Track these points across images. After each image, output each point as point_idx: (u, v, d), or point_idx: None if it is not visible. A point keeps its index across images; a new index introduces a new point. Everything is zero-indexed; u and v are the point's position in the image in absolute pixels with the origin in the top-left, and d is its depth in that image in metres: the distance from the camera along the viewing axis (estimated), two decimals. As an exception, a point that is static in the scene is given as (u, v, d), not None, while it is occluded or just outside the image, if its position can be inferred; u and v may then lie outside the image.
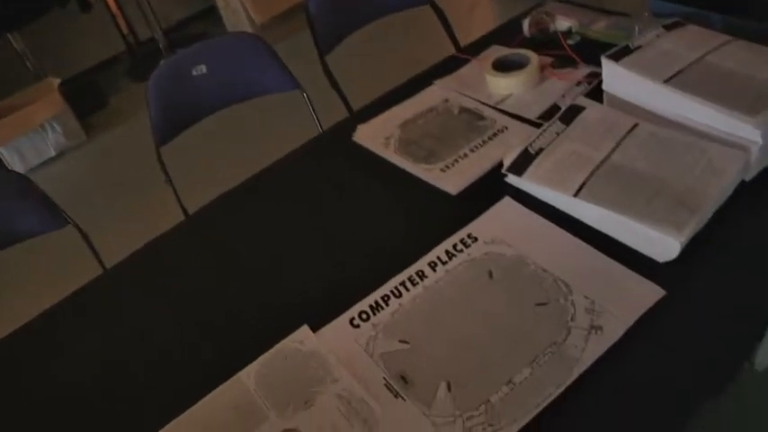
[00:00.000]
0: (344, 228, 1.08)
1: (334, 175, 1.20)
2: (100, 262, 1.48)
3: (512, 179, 1.02)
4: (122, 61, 3.87)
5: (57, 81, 3.20)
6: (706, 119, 0.99)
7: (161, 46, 3.68)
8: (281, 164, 1.27)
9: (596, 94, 1.15)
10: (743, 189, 0.96)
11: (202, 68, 1.76)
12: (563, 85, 1.24)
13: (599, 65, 1.12)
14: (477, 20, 3.27)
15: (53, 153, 3.22)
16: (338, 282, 0.98)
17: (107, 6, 3.69)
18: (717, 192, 0.91)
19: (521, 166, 1.01)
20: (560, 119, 1.08)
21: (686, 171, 0.93)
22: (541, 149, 1.03)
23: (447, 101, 1.28)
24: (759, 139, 0.94)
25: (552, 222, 0.96)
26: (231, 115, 1.83)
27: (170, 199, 1.66)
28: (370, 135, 1.26)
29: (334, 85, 1.86)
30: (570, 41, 1.37)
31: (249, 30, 3.43)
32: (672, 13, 1.38)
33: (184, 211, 1.63)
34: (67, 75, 3.48)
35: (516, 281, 0.89)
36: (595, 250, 0.91)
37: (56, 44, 3.55)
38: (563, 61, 1.31)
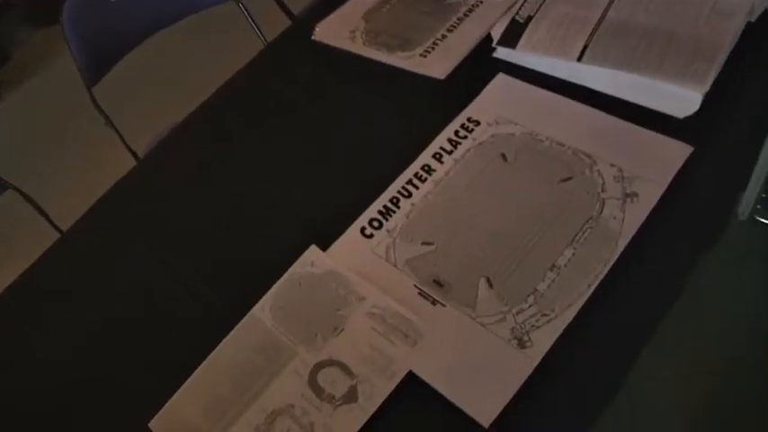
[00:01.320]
0: (332, 137, 0.98)
1: (303, 82, 1.09)
2: (52, 224, 1.35)
3: (503, 53, 0.94)
4: (15, 5, 3.49)
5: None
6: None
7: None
8: (240, 81, 1.14)
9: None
10: (749, 31, 0.89)
11: (120, -12, 1.57)
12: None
13: None
14: None
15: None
16: (338, 194, 0.89)
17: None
18: (729, 37, 0.84)
19: (512, 37, 0.92)
20: (544, -20, 0.98)
21: (693, 18, 0.86)
22: (530, 17, 0.94)
23: (406, -17, 1.16)
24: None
25: (557, 93, 0.89)
26: (163, 41, 1.65)
27: (115, 143, 1.51)
28: (332, 31, 1.13)
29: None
30: None
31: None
32: None
33: (134, 153, 1.49)
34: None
35: (533, 159, 0.83)
36: (610, 116, 0.85)
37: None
38: None
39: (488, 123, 0.89)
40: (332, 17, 1.16)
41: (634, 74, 0.83)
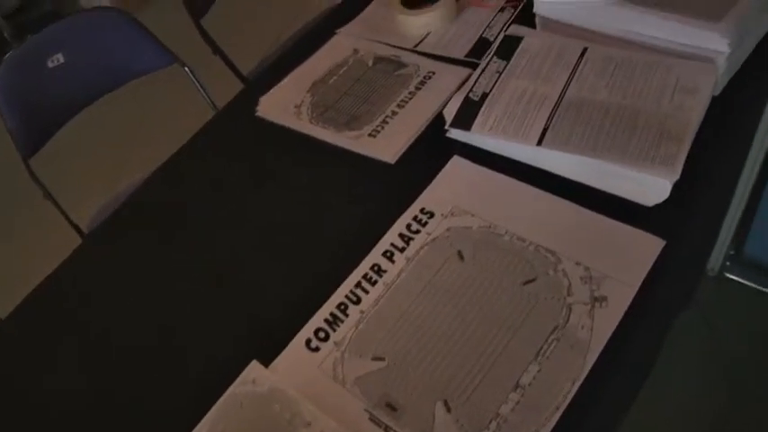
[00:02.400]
0: (271, 226, 0.90)
1: (244, 162, 1.01)
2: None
3: (457, 134, 0.87)
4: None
5: None
6: (661, 32, 0.87)
7: (6, 34, 3.23)
8: (180, 159, 1.06)
9: (526, 18, 1.00)
10: (712, 105, 0.84)
11: (59, 57, 1.49)
12: (486, 13, 1.09)
13: None
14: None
15: None
16: (279, 296, 0.81)
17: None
18: (696, 115, 0.79)
19: (466, 118, 0.86)
20: (497, 54, 0.93)
21: (658, 95, 0.81)
22: (485, 94, 0.87)
23: (357, 51, 1.10)
24: (726, 49, 0.83)
25: (516, 179, 0.82)
26: (107, 107, 1.57)
27: (53, 217, 1.41)
28: (277, 106, 1.06)
29: (217, 50, 1.63)
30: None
31: (107, 2, 3.05)
32: None
33: (76, 228, 1.39)
34: None
35: (493, 258, 0.75)
36: (574, 204, 0.78)
37: None
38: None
39: (443, 215, 0.82)
40: (276, 90, 1.09)
41: (600, 159, 0.76)
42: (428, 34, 1.09)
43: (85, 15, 1.47)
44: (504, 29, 1.03)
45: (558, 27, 0.98)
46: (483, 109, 0.85)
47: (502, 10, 1.08)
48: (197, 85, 1.53)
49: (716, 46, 0.84)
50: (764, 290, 1.54)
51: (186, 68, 1.53)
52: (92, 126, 1.85)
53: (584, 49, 0.90)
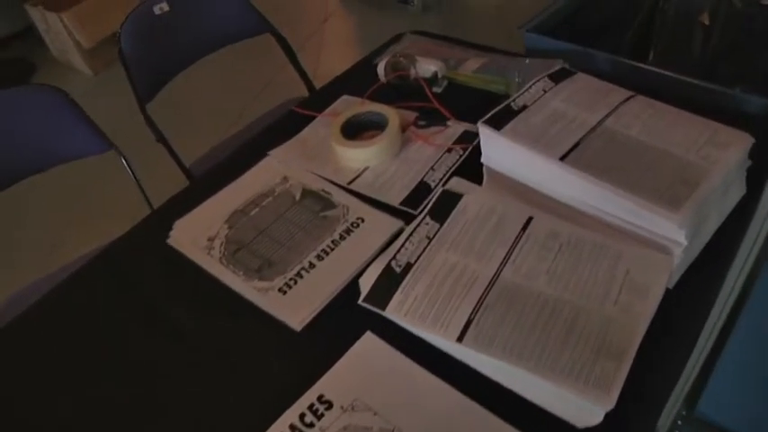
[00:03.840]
0: (158, 388, 0.76)
1: (137, 299, 0.88)
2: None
3: (373, 309, 0.75)
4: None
5: None
6: (616, 209, 0.77)
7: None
8: (69, 283, 0.93)
9: (473, 164, 0.90)
10: (664, 300, 0.73)
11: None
12: (431, 153, 0.99)
13: (473, 120, 0.87)
14: (329, 37, 2.98)
15: None
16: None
17: None
18: (643, 321, 0.68)
19: (382, 294, 0.74)
20: (431, 213, 0.82)
21: (603, 293, 0.70)
22: (410, 265, 0.76)
23: (286, 180, 0.99)
24: (683, 240, 0.72)
25: (432, 371, 0.70)
26: (36, 188, 1.45)
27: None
28: (190, 235, 0.94)
29: (161, 139, 1.52)
30: (437, 88, 1.12)
31: (77, 55, 2.96)
32: (549, 49, 1.17)
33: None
34: None
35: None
36: (493, 416, 0.65)
37: None
38: (429, 117, 1.05)
39: (342, 408, 0.69)
40: (193, 215, 0.98)
41: (526, 369, 0.64)
42: (366, 169, 0.98)
43: (22, 91, 1.36)
44: (447, 175, 0.93)
45: (506, 182, 0.88)
46: (403, 286, 0.74)
47: (449, 151, 0.98)
48: (132, 177, 1.41)
49: (673, 236, 0.74)
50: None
51: (123, 159, 1.41)
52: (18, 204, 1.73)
53: (529, 219, 0.79)
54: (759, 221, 0.88)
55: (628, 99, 0.90)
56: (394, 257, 0.77)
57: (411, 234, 0.79)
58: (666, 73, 1.07)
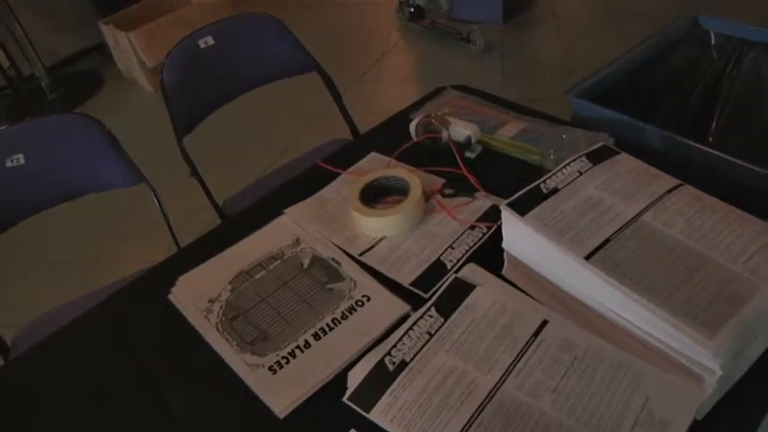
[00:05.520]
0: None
1: (123, 360, 0.84)
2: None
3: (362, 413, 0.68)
4: (4, 97, 3.39)
5: None
6: (643, 323, 0.68)
7: (43, 84, 3.23)
8: (72, 330, 0.90)
9: (495, 246, 0.83)
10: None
11: (19, 158, 1.38)
12: (453, 228, 0.92)
13: (504, 194, 0.81)
14: (387, 71, 2.94)
15: None
16: None
17: (-20, 38, 3.23)
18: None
19: (369, 395, 0.67)
20: (437, 305, 0.75)
21: (612, 425, 0.61)
22: (404, 363, 0.69)
23: (298, 242, 0.94)
24: (718, 370, 0.63)
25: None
26: (62, 213, 1.45)
27: None
28: (192, 294, 0.90)
29: (195, 173, 1.50)
30: (470, 153, 1.05)
31: (140, 73, 3.03)
32: (596, 117, 1.09)
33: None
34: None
35: None
36: None
37: None
38: (457, 186, 0.98)
39: None
40: (197, 271, 0.94)
41: None
42: (382, 239, 0.92)
43: (52, 119, 1.37)
44: (465, 256, 0.86)
45: (527, 272, 0.80)
46: (393, 388, 0.67)
47: (472, 227, 0.91)
48: (161, 212, 1.39)
49: (707, 363, 0.64)
50: None
51: (153, 194, 1.39)
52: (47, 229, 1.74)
53: (543, 323, 0.71)
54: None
55: (673, 189, 0.81)
56: (389, 353, 0.70)
57: (411, 327, 0.72)
58: (723, 156, 0.97)
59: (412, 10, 3.24)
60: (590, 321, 0.73)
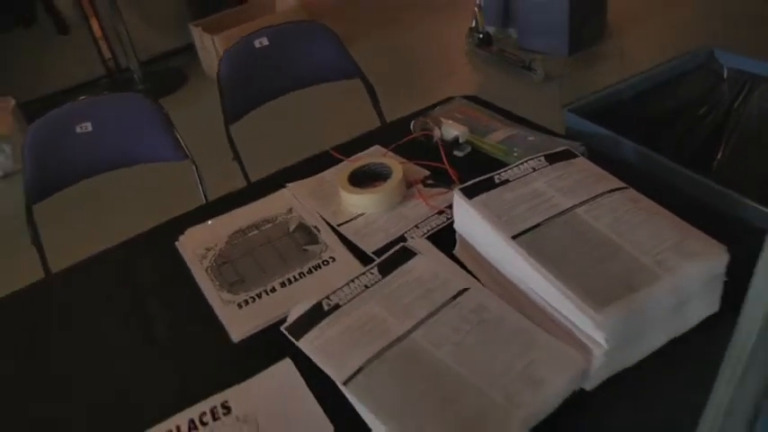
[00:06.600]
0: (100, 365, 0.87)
1: (134, 289, 1.00)
2: None
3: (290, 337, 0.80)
4: (100, 86, 3.73)
5: (11, 101, 3.06)
6: (550, 297, 0.77)
7: (136, 77, 3.55)
8: (89, 264, 1.07)
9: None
10: (582, 398, 0.72)
11: (87, 126, 1.59)
12: (424, 211, 1.03)
13: None
14: (447, 93, 3.06)
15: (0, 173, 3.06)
16: None
17: (90, 30, 3.58)
18: (525, 414, 0.67)
19: (302, 326, 0.80)
20: (380, 266, 0.86)
21: (494, 377, 0.70)
22: (337, 306, 0.81)
23: (290, 211, 1.08)
24: (603, 343, 0.71)
25: (325, 411, 0.74)
26: (119, 178, 1.64)
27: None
28: (194, 243, 1.05)
29: (237, 158, 1.67)
30: (458, 152, 1.16)
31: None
32: (586, 131, 1.18)
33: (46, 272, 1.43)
34: (34, 95, 3.33)
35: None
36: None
37: (29, 64, 3.43)
38: (438, 178, 1.09)
39: (237, 417, 0.75)
40: (202, 227, 1.09)
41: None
42: (360, 215, 1.04)
43: (116, 95, 1.57)
44: (427, 235, 0.97)
45: (471, 251, 0.90)
46: (322, 324, 0.79)
47: (440, 213, 1.02)
48: (198, 181, 1.57)
49: (594, 336, 0.73)
50: None
51: (195, 170, 1.57)
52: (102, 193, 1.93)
53: (464, 290, 0.81)
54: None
55: (615, 190, 0.89)
56: (328, 297, 0.82)
57: (353, 280, 0.84)
58: (681, 169, 1.04)
59: (481, 36, 3.35)
60: (513, 297, 0.82)
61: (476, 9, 3.32)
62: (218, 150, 1.69)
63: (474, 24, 3.38)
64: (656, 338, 0.78)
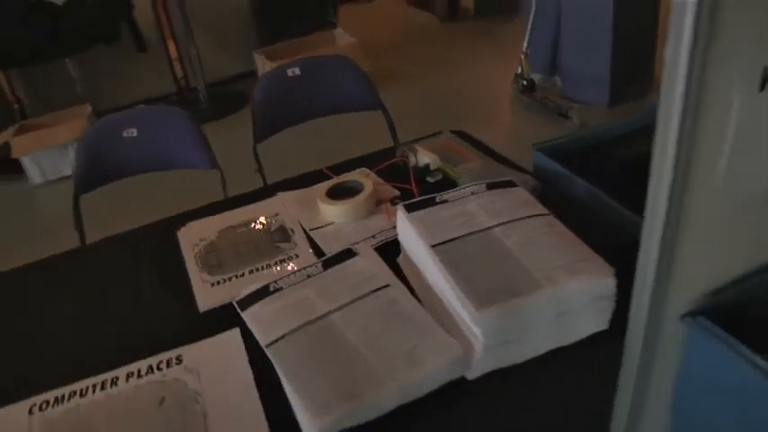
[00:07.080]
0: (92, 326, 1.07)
1: (135, 267, 1.21)
2: None
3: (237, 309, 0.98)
4: (169, 101, 4.06)
5: (89, 108, 3.41)
6: (450, 297, 0.92)
7: (201, 96, 3.86)
8: (102, 245, 1.30)
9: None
10: (467, 388, 0.86)
11: (133, 132, 1.83)
12: (383, 224, 1.19)
13: None
14: (482, 134, 3.21)
15: (69, 172, 3.39)
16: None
17: (166, 50, 3.93)
18: (398, 387, 0.82)
19: (249, 301, 0.98)
20: (324, 261, 1.03)
21: (384, 355, 0.86)
22: (280, 289, 0.98)
23: (276, 215, 1.27)
24: (480, 337, 0.86)
25: (257, 383, 0.90)
26: (149, 178, 1.87)
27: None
28: (192, 233, 1.25)
29: (259, 170, 1.88)
30: (430, 178, 1.32)
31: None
32: (549, 168, 1.32)
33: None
34: (111, 105, 3.68)
35: (181, 416, 0.85)
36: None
37: (109, 76, 3.79)
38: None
39: (187, 367, 0.93)
40: (203, 221, 1.28)
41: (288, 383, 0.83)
42: (331, 224, 1.22)
43: (156, 108, 1.81)
44: (379, 244, 1.13)
45: (408, 258, 1.06)
46: (264, 301, 0.96)
47: (395, 226, 1.18)
48: (222, 188, 1.78)
49: (473, 328, 0.87)
50: None
51: (221, 176, 1.78)
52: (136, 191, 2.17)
53: (385, 286, 0.97)
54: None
55: (536, 215, 1.03)
56: (275, 281, 1.00)
57: (300, 270, 1.02)
58: (623, 209, 1.16)
59: (525, 83, 3.50)
60: (427, 296, 0.97)
61: (522, 56, 3.48)
62: (249, 163, 1.89)
63: (519, 71, 3.53)
64: (542, 343, 0.91)
